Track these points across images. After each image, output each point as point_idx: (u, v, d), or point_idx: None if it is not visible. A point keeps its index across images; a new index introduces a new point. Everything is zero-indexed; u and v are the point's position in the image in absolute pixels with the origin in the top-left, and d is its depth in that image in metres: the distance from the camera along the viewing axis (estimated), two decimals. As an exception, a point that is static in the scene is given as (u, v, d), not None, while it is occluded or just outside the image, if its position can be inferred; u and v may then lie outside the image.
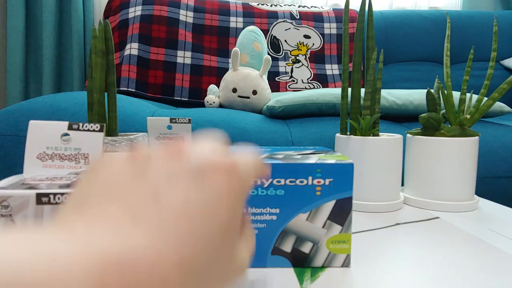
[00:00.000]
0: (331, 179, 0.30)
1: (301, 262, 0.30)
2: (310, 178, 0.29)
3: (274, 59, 1.55)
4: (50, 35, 1.57)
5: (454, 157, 0.48)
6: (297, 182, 0.29)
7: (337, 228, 0.30)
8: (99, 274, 0.11)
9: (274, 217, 0.30)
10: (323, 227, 0.30)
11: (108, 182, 0.15)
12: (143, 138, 0.51)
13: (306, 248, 0.30)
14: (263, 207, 0.30)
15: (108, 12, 1.56)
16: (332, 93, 0.94)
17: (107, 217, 0.13)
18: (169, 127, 0.50)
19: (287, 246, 0.30)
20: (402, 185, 0.74)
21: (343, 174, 0.30)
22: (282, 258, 0.30)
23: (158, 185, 0.15)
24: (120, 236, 0.12)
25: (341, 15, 1.64)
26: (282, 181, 0.29)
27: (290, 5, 1.66)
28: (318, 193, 0.30)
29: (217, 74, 1.49)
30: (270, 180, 0.29)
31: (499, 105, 0.93)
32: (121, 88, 1.35)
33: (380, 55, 0.53)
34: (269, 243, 0.30)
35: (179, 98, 1.41)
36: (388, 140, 0.47)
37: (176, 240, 0.13)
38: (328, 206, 0.30)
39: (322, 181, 0.30)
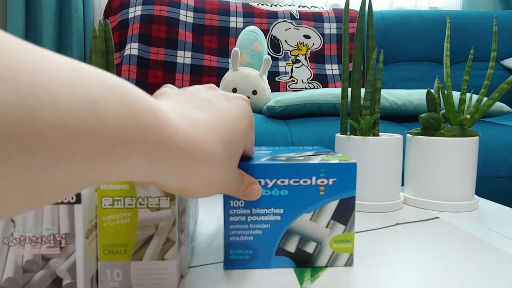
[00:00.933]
0: (335, 179, 0.30)
1: (305, 262, 0.30)
2: (314, 178, 0.29)
3: (274, 59, 1.55)
4: (50, 35, 1.57)
5: (454, 157, 0.48)
6: (301, 182, 0.30)
7: (340, 227, 0.30)
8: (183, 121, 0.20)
9: (278, 218, 0.30)
10: (326, 226, 0.30)
11: (180, 93, 0.24)
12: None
13: (310, 248, 0.30)
14: (267, 207, 0.30)
15: (108, 12, 1.56)
16: (332, 93, 0.93)
17: (182, 103, 0.22)
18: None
19: (291, 246, 0.30)
20: (402, 185, 0.74)
21: (346, 174, 0.30)
22: (286, 259, 0.30)
23: (209, 97, 0.23)
24: (190, 112, 0.21)
25: (341, 15, 1.64)
26: (286, 181, 0.29)
27: (290, 5, 1.66)
28: (321, 193, 0.30)
29: (217, 74, 1.49)
30: (274, 181, 0.30)
31: (499, 105, 0.93)
32: (121, 88, 1.35)
33: (380, 55, 0.53)
34: (273, 243, 0.30)
35: (179, 98, 1.41)
36: (388, 140, 0.47)
37: (220, 123, 0.22)
38: (331, 206, 0.30)
39: (325, 181, 0.30)
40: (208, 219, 0.44)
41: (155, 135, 0.16)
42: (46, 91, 0.12)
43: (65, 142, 0.12)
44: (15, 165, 0.11)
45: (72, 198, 0.24)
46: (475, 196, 0.51)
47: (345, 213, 0.30)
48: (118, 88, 0.15)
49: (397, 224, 0.42)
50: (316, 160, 0.30)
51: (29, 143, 0.11)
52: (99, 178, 0.15)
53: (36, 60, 0.12)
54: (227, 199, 0.30)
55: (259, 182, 0.29)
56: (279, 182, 0.29)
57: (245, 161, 0.30)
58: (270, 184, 0.29)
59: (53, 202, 0.14)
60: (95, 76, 0.14)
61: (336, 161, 0.30)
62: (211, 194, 0.23)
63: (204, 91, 0.24)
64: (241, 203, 0.30)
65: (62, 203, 0.24)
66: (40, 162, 0.12)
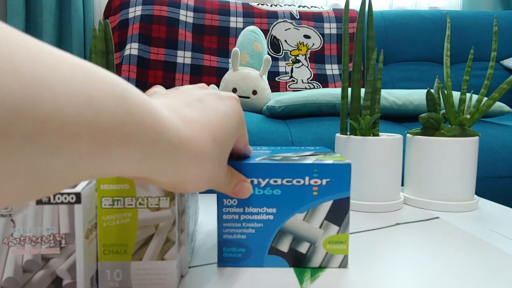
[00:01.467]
0: (328, 179, 0.30)
1: (298, 262, 0.30)
2: (307, 178, 0.29)
3: (274, 59, 1.55)
4: (50, 35, 1.57)
5: (454, 157, 0.48)
6: (294, 182, 0.29)
7: (334, 228, 0.30)
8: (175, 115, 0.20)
9: (271, 217, 0.30)
10: (320, 227, 0.30)
11: (171, 92, 0.24)
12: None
13: (303, 248, 0.30)
14: (259, 206, 0.30)
15: (108, 12, 1.56)
16: (332, 93, 0.93)
17: (174, 101, 0.22)
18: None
19: (284, 246, 0.30)
20: (402, 185, 0.74)
21: (340, 175, 0.29)
22: (279, 258, 0.30)
23: (200, 95, 0.24)
24: (181, 109, 0.21)
25: (341, 15, 1.64)
26: (279, 181, 0.29)
27: (290, 5, 1.66)
28: (315, 193, 0.30)
29: (217, 74, 1.49)
30: (267, 180, 0.30)
31: (499, 105, 0.93)
32: (121, 88, 1.35)
33: (380, 55, 0.53)
34: (266, 242, 0.30)
35: (179, 98, 1.41)
36: (388, 140, 0.47)
37: (211, 120, 0.22)
38: (325, 207, 0.30)
39: (319, 181, 0.30)
40: (208, 219, 0.44)
41: (149, 131, 0.17)
42: (44, 83, 0.12)
43: (64, 134, 0.13)
44: (16, 155, 0.11)
45: (72, 198, 0.24)
46: (475, 196, 0.51)
47: (339, 214, 0.30)
48: (114, 85, 0.15)
49: (397, 224, 0.42)
50: (311, 160, 0.30)
51: (30, 133, 0.11)
52: (95, 172, 0.15)
53: (35, 52, 0.12)
54: (220, 197, 0.30)
55: (252, 181, 0.29)
56: (271, 181, 0.29)
57: (239, 160, 0.30)
58: (263, 183, 0.29)
59: (50, 194, 0.14)
60: (92, 72, 0.14)
61: (329, 162, 0.30)
62: (202, 189, 0.23)
63: (195, 90, 0.25)
64: (234, 202, 0.30)
65: (62, 203, 0.24)
66: (39, 152, 0.12)
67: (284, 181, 0.30)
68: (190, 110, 0.22)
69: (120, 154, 0.16)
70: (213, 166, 0.22)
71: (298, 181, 0.29)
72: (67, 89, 0.13)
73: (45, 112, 0.12)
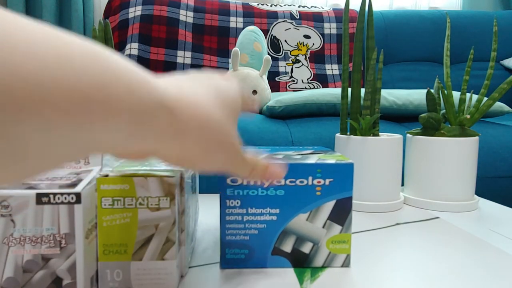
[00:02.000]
0: (331, 179, 0.30)
1: (301, 262, 0.30)
2: (310, 178, 0.29)
3: (274, 59, 1.55)
4: (50, 35, 1.56)
5: (454, 157, 0.48)
6: (297, 182, 0.29)
7: (337, 228, 0.30)
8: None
9: (274, 218, 0.30)
10: (323, 227, 0.30)
11: (190, 78, 0.22)
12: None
13: (306, 248, 0.30)
14: (263, 207, 0.30)
15: (108, 12, 1.56)
16: (332, 93, 0.93)
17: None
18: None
19: (287, 247, 0.30)
20: (402, 185, 0.74)
21: (343, 174, 0.30)
22: (282, 259, 0.30)
23: (199, 74, 0.23)
24: (179, 79, 0.20)
25: (341, 15, 1.64)
26: (282, 181, 0.29)
27: (290, 5, 1.66)
28: (318, 193, 0.30)
29: (217, 74, 1.48)
30: (270, 181, 0.30)
31: (499, 105, 0.93)
32: (121, 88, 1.35)
33: (380, 55, 0.53)
34: (269, 243, 0.30)
35: (179, 98, 1.41)
36: (388, 140, 0.47)
37: (212, 84, 0.21)
38: (328, 206, 0.30)
39: (322, 181, 0.30)
40: (208, 219, 0.44)
41: (137, 92, 0.15)
42: (14, 49, 0.11)
43: (36, 99, 0.11)
44: None
45: (72, 198, 0.24)
46: (475, 196, 0.51)
47: (341, 214, 0.30)
48: (97, 49, 0.14)
49: (397, 224, 0.42)
50: (313, 159, 0.30)
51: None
52: (84, 145, 0.14)
53: (8, 21, 0.11)
54: (223, 198, 0.30)
55: (255, 181, 0.29)
56: (275, 182, 0.29)
57: None
58: (266, 184, 0.29)
59: (39, 172, 0.13)
60: (71, 39, 0.13)
61: (332, 161, 0.30)
62: (212, 163, 0.21)
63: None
64: (237, 203, 0.30)
65: (62, 203, 0.24)
66: (9, 119, 0.11)
67: (288, 182, 0.29)
68: (187, 80, 0.21)
69: (107, 122, 0.14)
70: (219, 131, 0.20)
71: (301, 181, 0.29)
72: (41, 52, 0.12)
73: (15, 78, 0.11)
